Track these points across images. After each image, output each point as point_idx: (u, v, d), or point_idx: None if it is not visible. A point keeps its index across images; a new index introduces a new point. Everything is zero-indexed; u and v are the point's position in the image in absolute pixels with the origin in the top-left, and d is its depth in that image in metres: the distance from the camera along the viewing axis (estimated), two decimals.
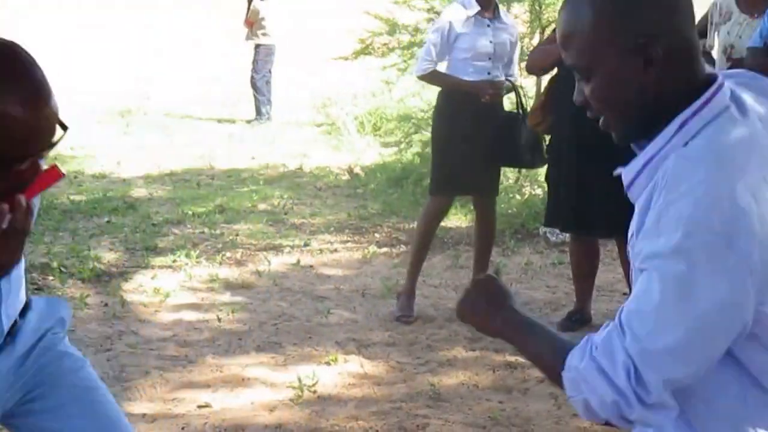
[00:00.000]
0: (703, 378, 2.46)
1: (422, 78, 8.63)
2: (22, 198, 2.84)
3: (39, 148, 2.88)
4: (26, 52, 2.88)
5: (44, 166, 2.99)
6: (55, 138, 2.91)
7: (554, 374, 2.57)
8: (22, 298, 3.53)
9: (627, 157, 6.59)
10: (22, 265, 3.38)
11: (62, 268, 9.37)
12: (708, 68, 2.53)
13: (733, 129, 2.40)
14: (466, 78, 8.12)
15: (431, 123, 8.97)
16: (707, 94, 2.41)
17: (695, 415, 2.55)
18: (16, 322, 3.51)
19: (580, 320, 7.92)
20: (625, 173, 2.60)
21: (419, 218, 8.78)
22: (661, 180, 2.41)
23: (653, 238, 2.38)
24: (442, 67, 8.42)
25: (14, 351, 3.49)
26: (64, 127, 2.93)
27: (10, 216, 2.80)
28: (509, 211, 10.21)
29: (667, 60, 2.40)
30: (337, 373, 7.18)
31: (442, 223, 9.16)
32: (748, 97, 2.51)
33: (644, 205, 2.50)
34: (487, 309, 2.83)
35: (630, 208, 7.17)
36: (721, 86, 2.43)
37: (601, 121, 2.60)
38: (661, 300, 2.33)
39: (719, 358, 2.42)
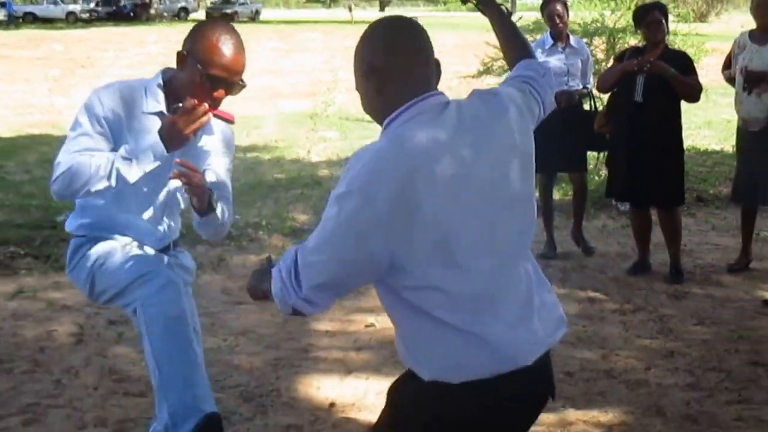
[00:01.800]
0: (400, 318, 2.81)
1: None
2: (205, 105, 3.51)
3: (230, 79, 3.63)
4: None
5: (227, 111, 3.75)
6: (241, 83, 3.69)
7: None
8: (176, 228, 4.03)
9: (665, 150, 6.72)
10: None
11: (269, 226, 9.46)
12: (436, 90, 2.82)
13: (413, 142, 2.68)
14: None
15: None
16: (407, 106, 2.74)
17: (407, 337, 2.82)
18: (170, 246, 4.03)
19: (642, 269, 7.90)
20: None
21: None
22: None
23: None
24: None
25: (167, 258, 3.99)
26: (244, 84, 3.71)
27: (197, 108, 3.48)
28: (590, 188, 10.03)
29: (385, 82, 2.76)
30: None
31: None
32: (470, 106, 2.81)
33: None
34: (258, 283, 3.01)
35: (661, 182, 7.24)
36: (422, 101, 2.74)
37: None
38: (320, 232, 2.71)
39: (356, 283, 2.81)
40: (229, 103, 3.79)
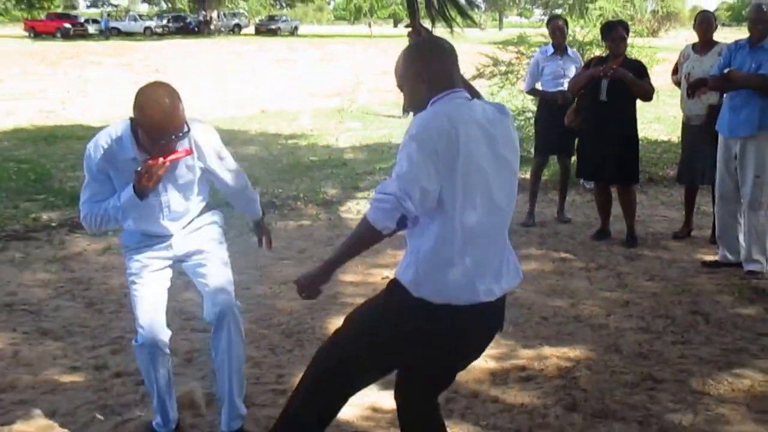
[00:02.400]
0: (421, 242, 2.99)
1: (528, 93, 9.23)
2: (161, 159, 3.63)
3: (171, 134, 3.61)
4: (170, 88, 3.65)
5: (186, 147, 3.78)
6: (182, 132, 3.65)
7: (363, 232, 3.00)
8: (195, 209, 4.10)
9: (623, 139, 6.75)
10: (191, 183, 4.00)
11: (305, 198, 9.46)
12: (463, 88, 3.14)
13: (454, 111, 2.98)
14: (551, 90, 8.48)
15: (526, 114, 9.03)
16: (447, 92, 3.04)
17: (421, 258, 3.00)
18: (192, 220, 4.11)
19: (603, 235, 7.89)
20: None
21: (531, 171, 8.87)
22: None
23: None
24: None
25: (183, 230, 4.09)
26: (188, 128, 3.67)
27: (154, 165, 3.62)
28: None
29: (434, 81, 3.05)
30: None
31: (525, 174, 9.08)
32: (485, 106, 3.11)
33: None
34: (311, 276, 3.16)
35: (619, 165, 7.27)
36: (457, 91, 3.06)
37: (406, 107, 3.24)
38: (406, 158, 2.89)
39: (434, 187, 2.89)
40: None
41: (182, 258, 4.11)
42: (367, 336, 3.12)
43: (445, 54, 3.12)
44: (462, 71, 3.24)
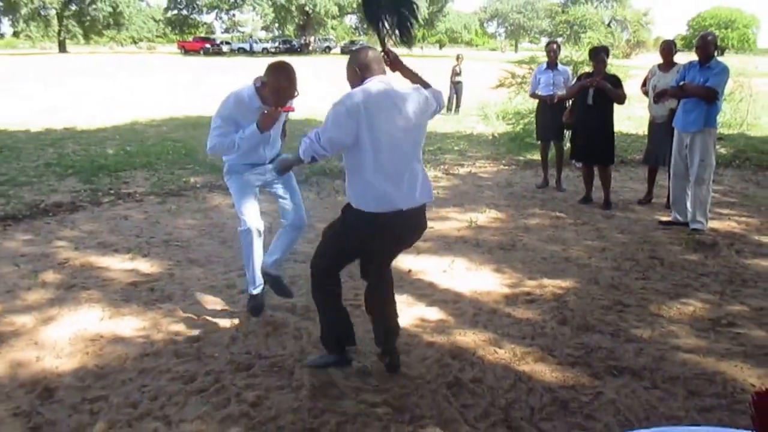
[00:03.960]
0: (349, 174, 3.35)
1: (531, 96, 8.89)
2: (280, 109, 3.95)
3: (288, 96, 3.96)
4: (292, 67, 3.96)
5: (290, 105, 4.10)
6: (294, 96, 3.99)
7: (297, 155, 3.39)
8: (278, 149, 4.37)
9: (604, 132, 6.48)
10: (279, 131, 4.32)
11: None
12: (382, 75, 3.37)
13: (370, 88, 3.26)
14: (544, 94, 8.31)
15: (534, 113, 8.87)
16: (371, 77, 3.33)
17: (353, 178, 3.34)
18: (274, 157, 4.32)
19: (587, 201, 7.74)
20: None
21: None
22: None
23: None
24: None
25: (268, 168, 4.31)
26: (298, 93, 3.99)
27: (275, 112, 3.91)
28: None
29: (363, 70, 3.34)
30: (486, 216, 7.07)
31: (532, 156, 8.94)
32: (399, 87, 3.35)
33: None
34: (285, 163, 3.70)
35: (600, 150, 7.04)
36: (377, 77, 3.33)
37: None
38: (328, 118, 3.20)
39: (345, 142, 3.23)
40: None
41: (269, 182, 4.36)
42: (338, 243, 3.49)
43: (368, 55, 3.36)
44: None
